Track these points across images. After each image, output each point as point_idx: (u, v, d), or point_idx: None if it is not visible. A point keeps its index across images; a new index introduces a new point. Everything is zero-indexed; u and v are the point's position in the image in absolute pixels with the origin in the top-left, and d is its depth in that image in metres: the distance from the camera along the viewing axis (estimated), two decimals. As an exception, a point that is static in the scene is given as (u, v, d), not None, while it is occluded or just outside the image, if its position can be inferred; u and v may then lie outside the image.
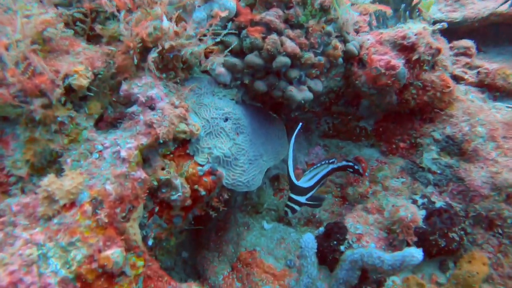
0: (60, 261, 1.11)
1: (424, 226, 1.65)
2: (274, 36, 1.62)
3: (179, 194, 1.42)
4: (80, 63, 1.31)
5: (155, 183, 1.37)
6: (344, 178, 2.04)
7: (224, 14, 1.50)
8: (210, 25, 1.51)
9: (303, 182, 1.81)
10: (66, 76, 1.25)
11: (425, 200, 1.75)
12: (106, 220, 1.19)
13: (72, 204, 1.20)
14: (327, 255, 1.73)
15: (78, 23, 1.41)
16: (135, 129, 1.34)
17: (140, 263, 1.27)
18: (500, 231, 1.65)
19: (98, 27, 1.38)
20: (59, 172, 1.27)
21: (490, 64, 2.10)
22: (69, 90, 1.29)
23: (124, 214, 1.23)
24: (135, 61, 1.37)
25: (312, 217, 2.00)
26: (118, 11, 1.38)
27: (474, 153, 1.74)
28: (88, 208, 1.18)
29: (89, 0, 1.39)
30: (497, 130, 1.76)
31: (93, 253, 1.15)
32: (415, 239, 1.64)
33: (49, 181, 1.17)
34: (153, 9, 1.44)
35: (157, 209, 1.44)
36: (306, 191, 1.79)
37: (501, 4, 2.31)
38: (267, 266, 1.83)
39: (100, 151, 1.32)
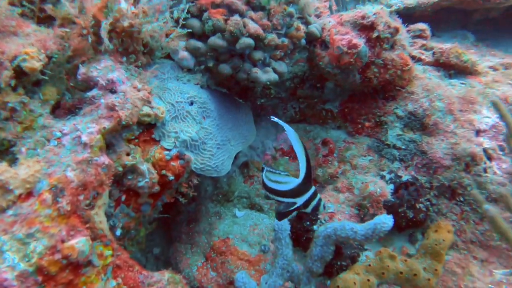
0: (18, 255, 1.03)
1: (392, 199, 1.69)
2: (236, 18, 1.60)
3: (146, 180, 1.37)
4: (31, 45, 1.22)
5: (120, 169, 1.31)
6: (313, 161, 2.05)
7: None
8: (171, 8, 1.47)
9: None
10: (15, 57, 1.17)
11: (392, 175, 1.80)
12: (69, 208, 1.11)
13: (29, 194, 1.12)
14: (301, 236, 1.74)
15: (25, 3, 1.32)
16: (96, 113, 1.27)
17: (108, 252, 1.20)
18: (461, 199, 1.72)
19: (49, 8, 1.30)
20: (12, 162, 1.18)
21: (444, 45, 2.20)
22: (20, 73, 1.20)
23: (88, 202, 1.17)
24: (90, 40, 1.30)
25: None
26: (71, -9, 1.31)
27: (435, 126, 1.81)
28: (47, 196, 1.11)
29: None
30: (454, 104, 1.84)
31: (55, 243, 1.07)
32: (384, 212, 1.68)
33: (1, 170, 1.08)
34: (108, -11, 1.37)
35: (123, 197, 1.38)
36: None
37: None
38: (241, 253, 1.80)
39: (59, 138, 1.24)
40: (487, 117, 1.83)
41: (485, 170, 1.71)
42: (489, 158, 1.75)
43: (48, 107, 1.31)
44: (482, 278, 1.58)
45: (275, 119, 1.32)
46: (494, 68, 2.22)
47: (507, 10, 2.71)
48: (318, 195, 1.45)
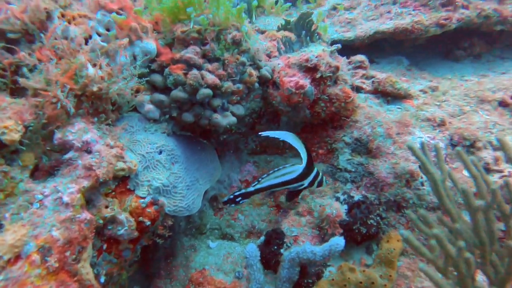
0: (13, 315, 1.14)
1: (347, 218, 1.92)
2: (194, 71, 1.79)
3: (125, 228, 1.50)
4: (8, 118, 1.34)
5: (101, 221, 1.44)
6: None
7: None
8: (135, 68, 1.64)
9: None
10: (-4, 133, 1.28)
11: (346, 196, 2.03)
12: (57, 265, 1.23)
13: (18, 257, 1.23)
14: (270, 260, 1.91)
15: (-1, 79, 1.44)
16: (74, 174, 1.40)
17: (95, 301, 1.32)
18: (406, 211, 1.98)
19: (22, 80, 1.43)
20: (-1, 228, 1.28)
21: (381, 74, 2.51)
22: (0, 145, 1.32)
23: (74, 256, 1.29)
24: (71, 110, 1.44)
25: (252, 228, 2.18)
26: (41, 63, 1.45)
27: (378, 150, 2.07)
28: (36, 257, 1.22)
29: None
30: (392, 128, 2.12)
31: (47, 300, 1.19)
32: (341, 231, 1.90)
33: (-9, 238, 1.19)
34: (76, 57, 1.52)
35: (105, 246, 1.50)
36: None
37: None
38: (218, 282, 1.95)
39: (41, 200, 1.35)
40: (419, 137, 2.12)
41: (422, 184, 1.98)
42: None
43: (27, 172, 1.42)
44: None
45: (264, 133, 1.74)
46: (424, 91, 2.55)
47: (432, 36, 3.10)
48: (320, 173, 1.88)
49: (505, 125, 2.28)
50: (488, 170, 2.07)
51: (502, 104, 2.40)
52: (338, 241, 1.46)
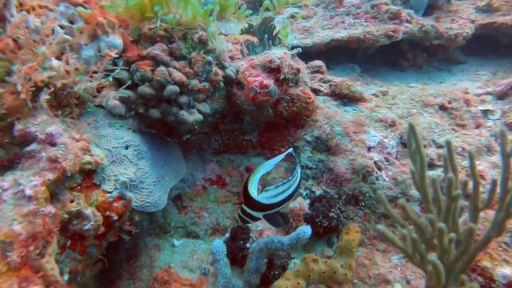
0: (-29, 313, 1.07)
1: (310, 212, 2.01)
2: (162, 68, 1.80)
3: (91, 223, 1.46)
4: (-35, 108, 1.27)
5: (66, 216, 1.39)
6: (239, 186, 2.30)
7: (113, 53, 1.62)
8: (102, 64, 1.61)
9: (265, 198, 1.52)
10: (-48, 122, 1.21)
11: (308, 191, 2.13)
12: (19, 261, 1.17)
13: (-24, 252, 1.15)
14: (237, 255, 1.94)
15: (-45, 67, 1.36)
16: (37, 167, 1.35)
17: (61, 297, 1.27)
18: (363, 204, 2.12)
19: (-20, 70, 1.36)
20: (-48, 223, 1.20)
21: (338, 78, 2.67)
22: (-45, 136, 1.24)
23: (38, 251, 1.23)
24: (29, 104, 1.39)
25: (217, 226, 2.19)
26: (1, 52, 1.39)
27: (337, 147, 2.20)
28: (-4, 252, 1.16)
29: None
30: (349, 128, 2.27)
31: (9, 296, 1.12)
32: (305, 224, 1.98)
33: None
34: (39, 49, 1.48)
35: (69, 243, 1.45)
36: (266, 208, 1.52)
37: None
38: (184, 279, 1.94)
39: (-1, 194, 1.28)
40: (374, 136, 2.29)
41: (377, 179, 2.14)
42: (379, 168, 2.19)
43: (-16, 165, 1.34)
44: (384, 265, 1.96)
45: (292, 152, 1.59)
46: (376, 95, 2.76)
47: (381, 47, 3.37)
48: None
49: (445, 126, 2.53)
50: (432, 165, 2.28)
51: (442, 108, 2.67)
52: (305, 229, 1.53)
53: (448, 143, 1.41)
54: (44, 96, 1.42)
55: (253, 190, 1.46)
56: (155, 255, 2.06)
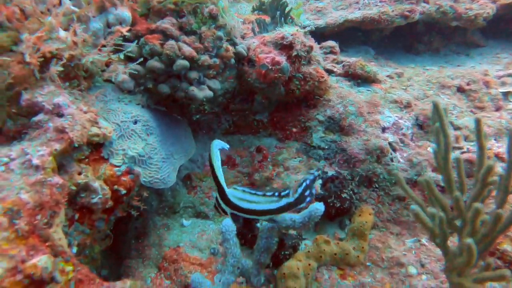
0: (-23, 280, 1.05)
1: (322, 192, 1.96)
2: (171, 42, 1.76)
3: (99, 196, 1.43)
4: (-29, 75, 1.24)
5: (73, 188, 1.37)
6: (250, 167, 2.25)
7: (125, 30, 1.57)
8: (112, 39, 1.57)
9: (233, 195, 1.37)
10: (-42, 87, 1.18)
11: (320, 171, 2.08)
12: (27, 229, 1.15)
13: (-18, 220, 1.13)
14: (246, 235, 1.91)
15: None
16: (45, 137, 1.32)
17: (69, 268, 1.24)
18: (376, 186, 2.06)
19: (-13, 38, 1.33)
20: (-41, 191, 1.18)
21: (351, 59, 2.59)
22: (-39, 103, 1.22)
23: (46, 221, 1.21)
24: (37, 75, 1.36)
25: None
26: (8, 20, 1.35)
27: (350, 127, 2.14)
28: (3, 220, 1.13)
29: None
30: (363, 108, 2.20)
31: (15, 264, 1.10)
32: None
33: (-48, 198, 1.09)
34: (45, 19, 1.44)
35: (77, 216, 1.43)
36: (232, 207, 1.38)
37: None
38: (193, 258, 1.91)
39: (6, 163, 1.26)
40: (389, 117, 2.22)
41: (391, 160, 2.07)
42: (394, 149, 2.12)
43: (-9, 135, 1.32)
44: (398, 248, 1.90)
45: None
46: (390, 77, 2.67)
47: (396, 29, 3.26)
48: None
49: (463, 108, 2.44)
50: (450, 147, 2.20)
51: (460, 89, 2.58)
52: (317, 206, 1.48)
53: (478, 122, 1.31)
54: (55, 68, 1.39)
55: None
56: (164, 235, 2.04)
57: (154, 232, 2.05)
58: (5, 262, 1.09)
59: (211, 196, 2.18)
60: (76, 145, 1.35)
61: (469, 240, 1.12)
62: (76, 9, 1.61)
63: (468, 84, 2.56)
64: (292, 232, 1.87)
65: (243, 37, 2.38)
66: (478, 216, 1.20)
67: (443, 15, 3.12)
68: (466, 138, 2.20)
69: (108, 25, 1.71)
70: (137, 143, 1.63)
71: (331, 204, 1.95)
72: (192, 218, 2.13)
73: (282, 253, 1.79)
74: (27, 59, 1.33)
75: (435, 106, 1.29)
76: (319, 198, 1.95)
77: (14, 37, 1.38)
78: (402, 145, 2.15)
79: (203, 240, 2.00)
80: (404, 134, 2.19)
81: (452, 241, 1.38)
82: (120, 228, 2.05)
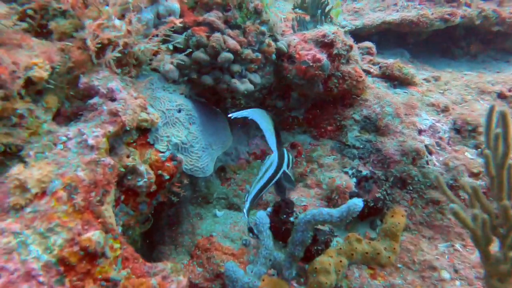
0: (40, 247, 1.12)
1: (356, 190, 1.96)
2: (217, 34, 1.81)
3: (145, 180, 1.49)
4: (37, 56, 1.32)
5: (122, 170, 1.43)
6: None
7: (178, 22, 1.63)
8: (164, 29, 1.63)
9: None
10: (26, 68, 1.26)
11: (354, 170, 2.08)
12: (83, 204, 1.22)
13: (44, 193, 1.20)
14: (280, 229, 1.93)
15: (28, 20, 1.41)
16: (99, 119, 1.39)
17: (117, 245, 1.30)
18: (410, 188, 2.04)
19: (52, 23, 1.41)
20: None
21: (388, 60, 2.58)
22: (27, 82, 1.29)
23: (98, 198, 1.27)
24: (94, 60, 1.43)
25: (259, 200, 2.19)
26: (72, 8, 1.43)
27: (386, 128, 2.13)
28: (63, 194, 1.20)
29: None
30: (400, 109, 2.19)
31: (73, 236, 1.17)
32: (350, 202, 1.94)
33: (18, 170, 1.17)
34: (104, 7, 1.51)
35: (122, 197, 1.49)
36: None
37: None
38: (225, 248, 1.95)
39: (64, 142, 1.33)
40: (426, 119, 2.20)
41: (427, 163, 2.05)
42: (430, 152, 2.10)
43: (50, 114, 1.40)
44: (430, 252, 1.89)
45: (233, 115, 1.76)
46: (427, 80, 2.64)
47: (433, 33, 3.22)
48: (286, 151, 1.98)
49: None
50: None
51: (501, 96, 2.52)
52: (356, 202, 1.49)
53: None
54: (112, 54, 1.45)
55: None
56: (197, 224, 2.09)
57: (187, 221, 2.11)
58: (65, 233, 1.16)
59: (244, 189, 2.21)
60: (128, 128, 1.41)
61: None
62: (130, 0, 1.68)
63: (510, 90, 2.50)
64: (324, 228, 1.89)
65: (282, 34, 2.40)
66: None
67: (484, 19, 3.06)
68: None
69: (158, 16, 1.77)
70: (181, 131, 1.69)
71: (365, 202, 1.95)
72: (225, 209, 2.18)
73: (315, 248, 1.80)
74: (88, 44, 1.40)
75: (491, 111, 1.28)
76: (353, 196, 1.95)
77: (75, 24, 1.46)
78: (438, 148, 2.13)
79: (235, 231, 2.03)
80: (440, 138, 2.16)
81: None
82: (155, 214, 2.11)
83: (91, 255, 1.19)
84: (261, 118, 1.83)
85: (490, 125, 1.30)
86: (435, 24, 2.88)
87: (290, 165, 2.02)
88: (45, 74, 1.31)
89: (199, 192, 2.22)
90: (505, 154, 1.24)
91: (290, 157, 2.02)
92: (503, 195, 1.27)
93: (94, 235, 1.19)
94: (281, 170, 1.95)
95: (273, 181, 1.93)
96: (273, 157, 1.91)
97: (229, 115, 1.75)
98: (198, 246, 1.98)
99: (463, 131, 2.21)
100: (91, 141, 1.32)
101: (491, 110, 1.30)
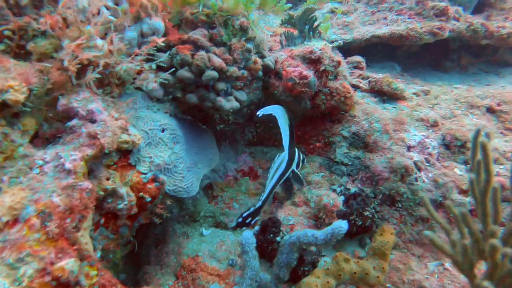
0: (8, 279, 1.08)
1: (344, 209, 1.94)
2: (202, 53, 1.79)
3: (125, 202, 1.46)
4: (13, 79, 1.30)
5: (101, 193, 1.40)
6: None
7: (160, 41, 1.61)
8: (147, 48, 1.61)
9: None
10: (1, 91, 1.23)
11: (342, 188, 2.06)
12: (57, 231, 1.18)
13: (16, 220, 1.17)
14: (266, 248, 1.90)
15: (6, 40, 1.39)
16: (77, 142, 1.36)
17: (93, 272, 1.27)
18: (399, 205, 2.02)
19: (30, 44, 1.39)
20: (-5, 191, 1.22)
21: (377, 75, 2.57)
22: (2, 105, 1.27)
23: (74, 224, 1.24)
24: (74, 81, 1.40)
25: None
26: (51, 29, 1.41)
27: (375, 144, 2.11)
28: (35, 221, 1.17)
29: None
30: (389, 125, 2.17)
31: (45, 266, 1.13)
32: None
33: (-11, 198, 1.13)
34: (85, 27, 1.49)
35: (102, 220, 1.46)
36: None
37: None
38: (211, 269, 1.91)
39: (41, 166, 1.31)
40: (415, 135, 2.18)
41: (416, 180, 2.03)
42: (419, 169, 2.08)
43: (27, 137, 1.37)
44: (420, 271, 1.85)
45: (260, 112, 1.91)
46: (417, 94, 2.63)
47: (424, 46, 3.22)
48: (298, 151, 2.10)
49: (493, 129, 2.38)
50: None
51: (490, 110, 2.51)
52: (341, 224, 1.47)
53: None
54: (92, 75, 1.43)
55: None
56: (183, 243, 2.05)
57: (173, 240, 2.07)
58: (35, 263, 1.12)
59: (232, 207, 2.18)
60: (107, 151, 1.39)
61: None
62: (113, 19, 1.66)
63: (498, 104, 2.49)
64: (312, 248, 1.85)
65: (270, 50, 2.40)
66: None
67: (473, 33, 3.06)
68: (495, 161, 2.14)
69: (142, 35, 1.76)
70: (164, 151, 1.66)
71: (353, 221, 1.92)
72: (212, 227, 2.14)
73: (301, 269, 1.77)
74: (66, 65, 1.38)
75: (477, 135, 1.26)
76: (341, 215, 1.93)
77: (55, 45, 1.44)
78: (427, 164, 2.11)
79: (222, 250, 2.00)
80: (430, 154, 2.14)
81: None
82: (140, 233, 2.07)
83: (64, 285, 1.15)
84: (282, 116, 1.94)
85: (475, 149, 1.28)
86: (424, 38, 2.88)
87: (300, 165, 2.12)
88: (21, 97, 1.28)
89: (186, 210, 2.18)
90: (487, 182, 1.22)
91: (301, 156, 2.13)
92: (489, 221, 1.25)
93: (68, 264, 1.15)
94: (290, 169, 2.06)
95: (282, 180, 2.05)
96: (283, 156, 2.02)
97: (257, 113, 1.91)
98: (184, 266, 1.94)
99: (452, 147, 2.20)
100: (68, 165, 1.29)
101: (476, 134, 1.29)
